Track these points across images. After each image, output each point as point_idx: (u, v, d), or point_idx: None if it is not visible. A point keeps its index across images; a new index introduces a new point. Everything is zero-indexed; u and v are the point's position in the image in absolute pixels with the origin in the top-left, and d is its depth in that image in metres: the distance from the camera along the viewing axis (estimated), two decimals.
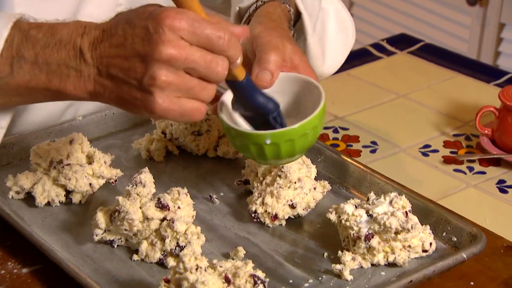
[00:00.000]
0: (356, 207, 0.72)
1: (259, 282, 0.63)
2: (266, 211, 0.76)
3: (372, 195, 0.73)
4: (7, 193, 0.80)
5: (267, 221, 0.77)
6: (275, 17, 0.79)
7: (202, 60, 0.62)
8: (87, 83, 0.63)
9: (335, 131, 1.02)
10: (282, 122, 0.72)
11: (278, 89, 0.74)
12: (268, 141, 0.69)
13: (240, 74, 0.68)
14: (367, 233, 0.70)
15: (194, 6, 0.63)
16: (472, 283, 0.71)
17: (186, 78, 0.62)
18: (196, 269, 0.62)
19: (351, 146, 0.99)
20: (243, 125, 0.73)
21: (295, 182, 0.77)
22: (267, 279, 0.65)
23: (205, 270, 0.63)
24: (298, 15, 0.85)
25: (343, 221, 0.72)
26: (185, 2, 0.63)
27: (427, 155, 0.97)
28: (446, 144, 0.99)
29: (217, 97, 0.74)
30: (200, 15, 0.63)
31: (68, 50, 0.63)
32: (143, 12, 0.62)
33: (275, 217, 0.76)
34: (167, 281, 0.64)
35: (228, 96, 0.73)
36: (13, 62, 0.64)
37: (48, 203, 0.79)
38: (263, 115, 0.71)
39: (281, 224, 0.77)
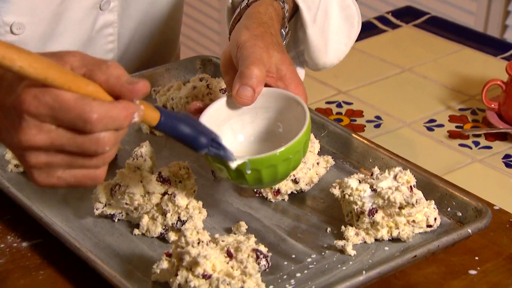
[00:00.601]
0: (360, 181, 0.72)
1: (261, 256, 0.64)
2: None
3: (376, 170, 0.73)
4: (6, 166, 0.80)
5: (270, 196, 0.77)
6: (265, 19, 0.75)
7: (72, 143, 0.55)
8: None
9: (339, 105, 1.02)
10: (222, 154, 0.65)
11: (261, 105, 0.72)
12: (248, 169, 0.66)
13: (151, 119, 0.60)
14: (371, 207, 0.70)
15: (54, 79, 0.53)
16: (476, 258, 0.72)
17: (63, 156, 0.56)
18: (198, 243, 0.63)
19: (355, 120, 0.99)
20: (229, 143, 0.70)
21: None
22: (270, 254, 0.65)
23: (207, 244, 0.63)
24: (297, 5, 0.82)
25: (346, 196, 0.72)
26: (39, 76, 0.53)
27: (432, 130, 0.97)
28: (452, 119, 0.99)
29: (200, 109, 0.71)
30: (65, 86, 0.54)
31: None
32: (14, 84, 0.56)
33: (278, 192, 0.77)
34: (169, 255, 0.64)
35: (212, 110, 0.70)
36: None
37: None
38: (195, 150, 0.64)
39: (284, 199, 0.77)
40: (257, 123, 0.74)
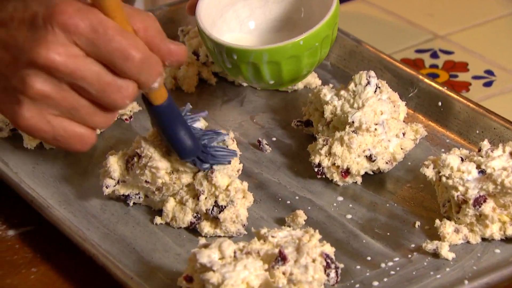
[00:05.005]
0: (462, 159, 0.73)
1: (332, 266, 0.64)
2: (334, 164, 0.78)
3: (485, 144, 0.74)
4: None
5: (336, 177, 0.78)
6: None
7: (96, 81, 0.62)
8: None
9: (434, 55, 1.03)
10: (208, 165, 0.73)
11: None
12: (265, 62, 0.73)
13: (157, 97, 0.68)
14: (478, 195, 0.71)
15: (114, 13, 0.62)
16: None
17: (70, 95, 0.62)
18: (221, 258, 0.63)
19: (457, 76, 0.99)
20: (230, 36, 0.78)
21: (375, 128, 0.78)
22: (341, 265, 0.66)
23: (233, 257, 0.63)
24: None
25: (443, 179, 0.73)
26: (105, 6, 0.62)
27: None
28: None
29: None
30: (112, 14, 0.62)
31: None
32: None
33: (347, 172, 0.78)
34: (189, 279, 0.64)
35: None
36: None
37: (40, 145, 0.82)
38: (179, 154, 0.71)
39: (356, 182, 0.79)
40: (269, 7, 0.80)
